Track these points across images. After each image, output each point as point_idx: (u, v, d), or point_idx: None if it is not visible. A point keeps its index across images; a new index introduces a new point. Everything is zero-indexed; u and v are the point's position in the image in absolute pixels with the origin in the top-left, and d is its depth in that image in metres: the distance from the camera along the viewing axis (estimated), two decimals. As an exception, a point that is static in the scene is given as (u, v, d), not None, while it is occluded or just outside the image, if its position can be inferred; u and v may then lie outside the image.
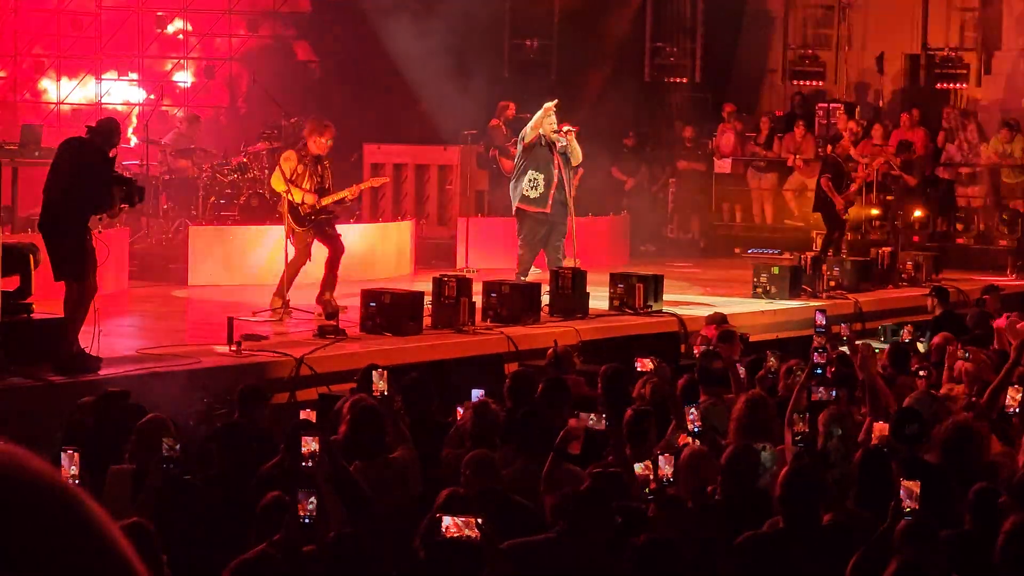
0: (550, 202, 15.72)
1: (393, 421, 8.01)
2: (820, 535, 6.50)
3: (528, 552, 6.32)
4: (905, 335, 12.09)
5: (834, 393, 8.83)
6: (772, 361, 10.56)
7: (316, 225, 14.26)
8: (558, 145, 15.71)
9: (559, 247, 15.83)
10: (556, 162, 15.73)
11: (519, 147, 16.03)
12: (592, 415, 7.93)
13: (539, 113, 15.84)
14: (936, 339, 12.18)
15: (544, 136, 15.76)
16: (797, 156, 23.03)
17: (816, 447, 8.03)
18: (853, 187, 19.94)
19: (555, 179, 15.72)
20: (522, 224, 16.00)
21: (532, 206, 15.79)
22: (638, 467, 6.90)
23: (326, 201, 14.27)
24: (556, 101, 16.00)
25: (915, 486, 6.29)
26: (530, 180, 15.76)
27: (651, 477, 6.84)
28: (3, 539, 1.44)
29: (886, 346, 12.19)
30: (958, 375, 10.66)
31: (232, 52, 22.74)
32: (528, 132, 15.81)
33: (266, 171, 17.75)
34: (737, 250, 22.18)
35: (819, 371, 9.24)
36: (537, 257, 16.05)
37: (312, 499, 6.25)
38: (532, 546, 6.37)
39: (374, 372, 8.21)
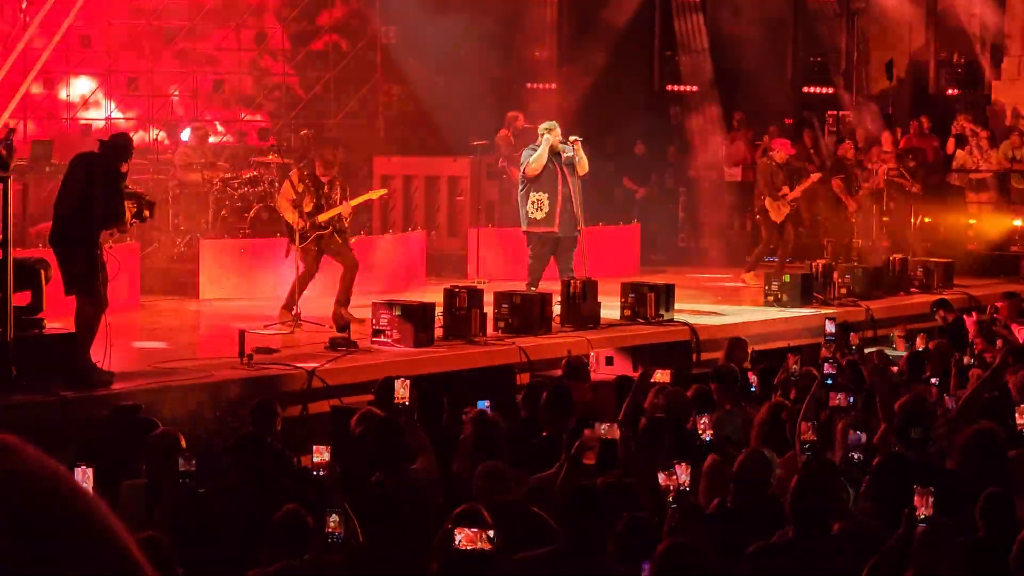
0: (557, 220, 15.62)
1: (414, 431, 7.97)
2: (830, 545, 6.46)
3: (534, 565, 6.27)
4: (919, 343, 12.06)
5: (852, 399, 8.79)
6: (794, 366, 10.48)
7: (317, 240, 14.33)
8: (564, 156, 15.61)
9: (570, 258, 15.79)
10: (563, 173, 15.62)
11: (521, 171, 15.90)
12: (605, 425, 7.91)
13: (542, 147, 15.58)
14: (934, 344, 12.17)
15: (551, 147, 15.65)
16: (807, 164, 22.97)
17: (824, 456, 7.98)
18: (861, 193, 19.93)
19: (560, 194, 15.60)
20: (530, 240, 15.98)
21: (539, 227, 15.72)
22: (661, 478, 6.88)
23: (322, 218, 14.33)
24: (554, 123, 15.83)
25: (929, 493, 6.25)
26: (534, 202, 15.68)
27: (671, 487, 6.82)
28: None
29: (896, 354, 12.16)
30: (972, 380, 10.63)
31: (240, 66, 22.76)
32: (531, 166, 15.69)
33: (276, 184, 17.79)
34: (748, 258, 22.12)
35: (829, 380, 9.21)
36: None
37: (336, 517, 6.20)
38: (538, 559, 6.32)
39: (396, 381, 8.17)
